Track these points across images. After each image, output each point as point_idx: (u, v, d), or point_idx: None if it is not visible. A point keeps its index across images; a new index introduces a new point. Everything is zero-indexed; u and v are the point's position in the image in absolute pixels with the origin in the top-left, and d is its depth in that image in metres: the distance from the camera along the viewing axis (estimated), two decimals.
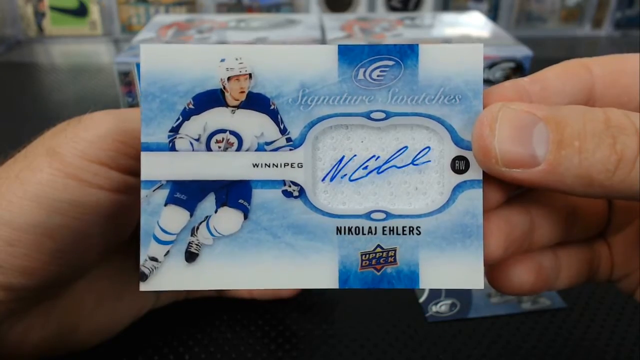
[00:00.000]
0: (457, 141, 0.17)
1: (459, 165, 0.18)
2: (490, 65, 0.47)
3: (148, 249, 0.17)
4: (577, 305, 0.29)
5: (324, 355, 0.27)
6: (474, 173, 0.17)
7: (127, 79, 0.46)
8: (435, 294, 0.30)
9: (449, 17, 0.59)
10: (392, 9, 0.77)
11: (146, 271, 0.18)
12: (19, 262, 0.19)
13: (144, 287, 0.18)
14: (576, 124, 0.15)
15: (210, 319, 0.28)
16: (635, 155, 0.15)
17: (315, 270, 0.18)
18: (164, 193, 0.17)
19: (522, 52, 0.47)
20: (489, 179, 0.17)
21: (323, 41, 0.51)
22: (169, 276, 0.18)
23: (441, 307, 0.29)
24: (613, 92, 0.17)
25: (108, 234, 0.21)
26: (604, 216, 0.21)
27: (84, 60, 0.69)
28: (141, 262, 0.17)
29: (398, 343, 0.27)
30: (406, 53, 0.17)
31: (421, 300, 0.30)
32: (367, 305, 0.29)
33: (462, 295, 0.30)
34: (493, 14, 0.77)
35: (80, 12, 0.74)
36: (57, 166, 0.19)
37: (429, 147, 0.18)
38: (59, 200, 0.19)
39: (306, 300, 0.29)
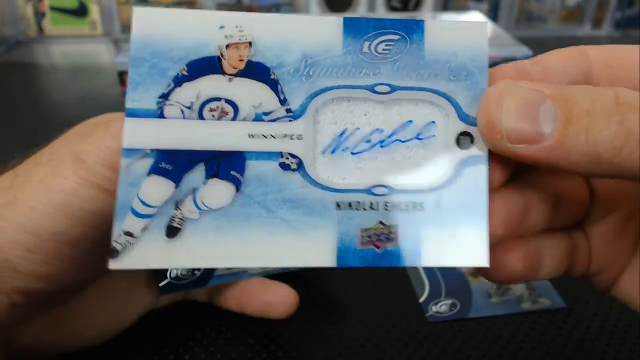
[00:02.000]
0: (463, 117, 0.17)
1: (464, 141, 0.17)
2: (491, 65, 0.47)
3: (123, 223, 0.16)
4: (577, 305, 0.29)
5: (324, 356, 0.27)
6: (479, 149, 0.17)
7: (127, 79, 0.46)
8: (435, 294, 0.30)
9: (449, 17, 0.59)
10: (392, 9, 0.76)
11: (118, 247, 0.16)
12: (37, 268, 0.19)
13: (113, 264, 0.16)
14: (585, 102, 0.15)
15: (210, 319, 0.28)
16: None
17: (312, 247, 0.16)
18: (147, 162, 0.16)
19: (522, 52, 0.47)
20: (494, 157, 0.17)
21: None
22: (145, 253, 0.16)
23: (441, 307, 0.29)
24: (609, 74, 0.18)
25: None
26: (585, 205, 0.21)
27: (84, 60, 0.69)
28: (113, 237, 0.16)
29: (398, 343, 0.27)
30: (412, 28, 0.17)
31: (421, 300, 0.30)
32: (367, 305, 0.29)
33: (462, 295, 0.30)
34: (493, 14, 0.77)
35: (80, 12, 0.74)
36: (82, 174, 0.19)
37: (434, 122, 0.17)
38: (82, 210, 0.19)
39: (306, 301, 0.29)
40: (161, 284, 0.24)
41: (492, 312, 0.29)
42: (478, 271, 0.19)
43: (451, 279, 0.31)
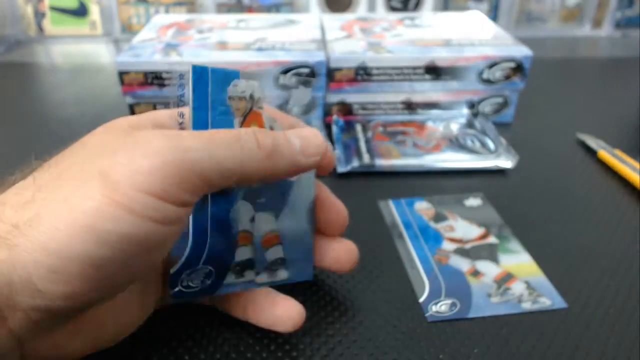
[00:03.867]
0: None
1: None
2: (491, 65, 0.47)
3: None
4: (577, 305, 0.29)
5: (324, 356, 0.27)
6: None
7: (127, 79, 0.46)
8: (435, 294, 0.30)
9: (449, 16, 0.59)
10: (392, 9, 0.77)
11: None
12: (60, 289, 0.18)
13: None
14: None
15: (210, 319, 0.28)
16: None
17: None
18: None
19: (522, 52, 0.47)
20: None
21: (323, 41, 0.51)
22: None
23: (441, 306, 0.29)
24: None
25: (152, 260, 0.21)
26: None
27: (84, 60, 0.69)
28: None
29: (398, 343, 0.27)
30: None
31: (421, 300, 0.30)
32: (367, 305, 0.29)
33: (462, 295, 0.30)
34: (493, 14, 0.77)
35: (80, 12, 0.74)
36: (110, 195, 0.18)
37: None
38: (108, 232, 0.18)
39: (306, 301, 0.29)
40: (172, 291, 0.24)
41: (492, 312, 0.29)
42: None
43: (451, 279, 0.31)
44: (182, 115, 0.23)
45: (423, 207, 0.38)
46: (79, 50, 0.72)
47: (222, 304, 0.28)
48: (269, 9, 0.75)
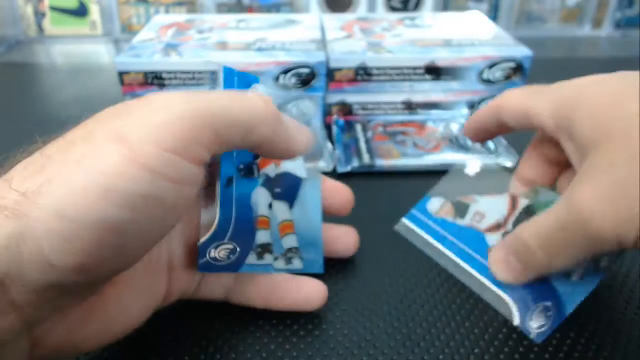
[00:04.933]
0: None
1: None
2: (491, 65, 0.47)
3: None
4: (578, 305, 0.29)
5: (325, 356, 0.27)
6: None
7: (127, 79, 0.46)
8: (524, 307, 0.26)
9: (449, 17, 0.59)
10: (392, 9, 0.77)
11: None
12: (75, 260, 0.17)
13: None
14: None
15: (209, 319, 0.28)
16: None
17: None
18: None
19: (522, 52, 0.47)
20: None
21: (323, 41, 0.51)
22: None
23: (535, 320, 0.26)
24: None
25: (167, 225, 0.20)
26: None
27: (84, 60, 0.69)
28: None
29: (398, 343, 0.27)
30: None
31: (516, 323, 0.26)
32: (367, 306, 0.29)
33: (551, 296, 0.27)
34: (493, 14, 0.77)
35: (80, 12, 0.74)
36: (127, 154, 0.17)
37: None
38: (128, 192, 0.17)
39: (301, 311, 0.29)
40: (200, 262, 0.25)
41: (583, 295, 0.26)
42: None
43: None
44: None
45: (436, 206, 0.33)
46: (79, 50, 0.72)
47: (236, 296, 0.28)
48: (269, 9, 0.75)
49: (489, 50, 0.48)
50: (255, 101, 0.21)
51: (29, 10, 0.74)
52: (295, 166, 0.28)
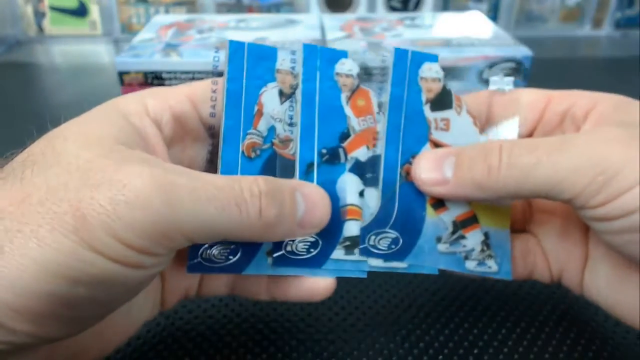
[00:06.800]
0: None
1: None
2: (490, 65, 0.47)
3: None
4: (576, 304, 0.29)
5: (325, 357, 0.27)
6: None
7: (127, 79, 0.46)
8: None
9: (449, 17, 0.59)
10: (392, 9, 0.77)
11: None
12: (29, 328, 0.17)
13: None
14: (469, 152, 0.22)
15: (209, 320, 0.28)
16: (498, 164, 0.21)
17: None
18: None
19: (522, 52, 0.47)
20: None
21: (323, 41, 0.51)
22: None
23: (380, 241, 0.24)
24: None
25: (129, 297, 0.20)
26: (525, 211, 0.27)
27: (84, 60, 0.69)
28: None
29: (397, 343, 0.27)
30: None
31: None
32: (367, 306, 0.29)
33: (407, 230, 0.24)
34: (493, 14, 0.77)
35: (80, 12, 0.74)
36: (84, 237, 0.17)
37: None
38: (84, 273, 0.17)
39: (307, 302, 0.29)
40: (189, 264, 0.23)
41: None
42: None
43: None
44: (215, 82, 0.24)
45: (427, 72, 0.28)
46: (79, 50, 0.72)
47: (242, 289, 0.26)
48: (269, 9, 0.75)
49: (489, 50, 0.48)
50: (249, 208, 0.19)
51: (29, 10, 0.74)
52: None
